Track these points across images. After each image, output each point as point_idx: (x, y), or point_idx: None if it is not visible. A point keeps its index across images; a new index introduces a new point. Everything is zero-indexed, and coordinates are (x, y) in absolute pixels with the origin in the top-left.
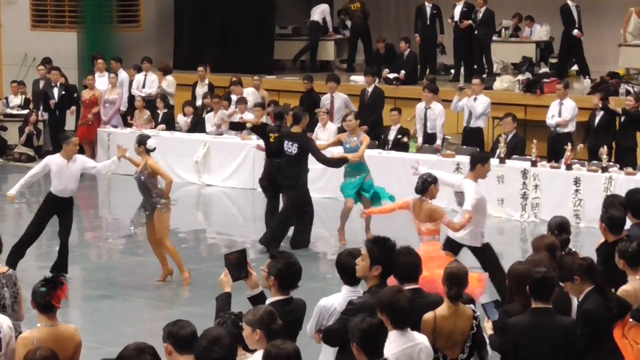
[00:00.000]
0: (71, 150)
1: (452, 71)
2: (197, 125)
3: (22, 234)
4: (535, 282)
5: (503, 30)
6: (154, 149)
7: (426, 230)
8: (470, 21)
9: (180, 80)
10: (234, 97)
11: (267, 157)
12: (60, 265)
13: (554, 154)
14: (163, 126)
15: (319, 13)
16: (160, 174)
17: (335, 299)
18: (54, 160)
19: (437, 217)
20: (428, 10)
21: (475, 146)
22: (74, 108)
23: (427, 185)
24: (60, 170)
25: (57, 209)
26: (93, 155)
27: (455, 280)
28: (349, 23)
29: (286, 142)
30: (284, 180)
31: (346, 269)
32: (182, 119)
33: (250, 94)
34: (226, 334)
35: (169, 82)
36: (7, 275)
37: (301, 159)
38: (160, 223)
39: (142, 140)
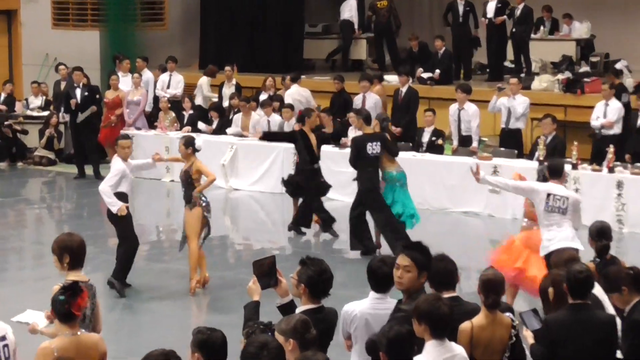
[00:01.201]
0: (124, 153)
1: (488, 70)
2: (224, 129)
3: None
4: (578, 281)
5: (542, 28)
6: (200, 149)
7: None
8: (505, 17)
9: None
10: (262, 97)
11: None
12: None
13: (597, 157)
14: (188, 128)
15: (348, 10)
16: (204, 172)
17: (358, 305)
18: (123, 164)
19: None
20: (461, 7)
21: (514, 148)
22: (94, 107)
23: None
24: (127, 172)
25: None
26: None
27: (492, 287)
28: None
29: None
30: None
31: (375, 274)
32: (202, 125)
33: (293, 95)
34: (273, 339)
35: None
36: (88, 285)
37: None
38: (191, 219)
39: (188, 142)
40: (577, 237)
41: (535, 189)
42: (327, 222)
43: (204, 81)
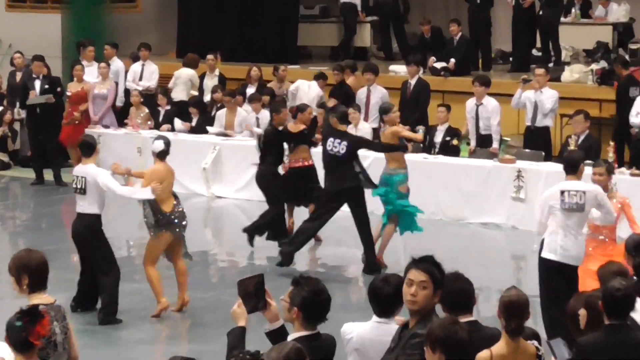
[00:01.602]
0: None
1: (511, 59)
2: (205, 127)
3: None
4: (615, 300)
5: (573, 10)
6: (162, 152)
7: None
8: None
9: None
10: (249, 90)
11: None
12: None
13: (637, 160)
14: (168, 126)
15: None
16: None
17: (357, 328)
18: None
19: None
20: None
21: (541, 149)
22: (50, 96)
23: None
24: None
25: None
26: (79, 161)
27: (515, 310)
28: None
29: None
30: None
31: (377, 296)
32: (178, 123)
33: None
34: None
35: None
36: (55, 307)
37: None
38: (152, 242)
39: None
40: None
41: (545, 197)
42: (254, 230)
43: (185, 73)
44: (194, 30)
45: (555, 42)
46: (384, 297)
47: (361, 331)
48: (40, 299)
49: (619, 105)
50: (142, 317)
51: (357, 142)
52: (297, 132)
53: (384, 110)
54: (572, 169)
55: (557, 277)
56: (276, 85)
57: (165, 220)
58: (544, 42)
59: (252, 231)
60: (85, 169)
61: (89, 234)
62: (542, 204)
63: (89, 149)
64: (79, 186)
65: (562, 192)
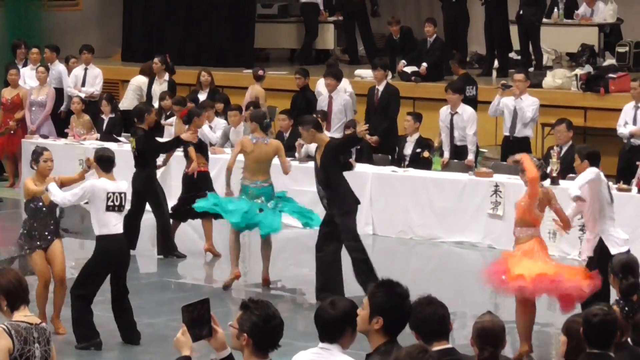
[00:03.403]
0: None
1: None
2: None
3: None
4: (592, 326)
5: (555, 9)
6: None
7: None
8: None
9: (131, 76)
10: (201, 97)
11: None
12: None
13: (625, 173)
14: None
15: None
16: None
17: (302, 356)
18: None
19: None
20: None
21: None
22: None
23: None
24: None
25: None
26: (16, 174)
27: (489, 337)
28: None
29: None
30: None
31: (320, 319)
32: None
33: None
34: None
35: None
36: (40, 328)
37: None
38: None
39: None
40: None
41: (594, 180)
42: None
43: (136, 81)
44: (138, 30)
45: (536, 44)
46: (326, 321)
47: (303, 357)
48: (23, 316)
49: None
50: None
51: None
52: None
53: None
54: (598, 160)
55: None
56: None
57: None
58: (523, 44)
59: (167, 251)
60: (118, 185)
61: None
62: (591, 181)
63: (109, 163)
64: (117, 203)
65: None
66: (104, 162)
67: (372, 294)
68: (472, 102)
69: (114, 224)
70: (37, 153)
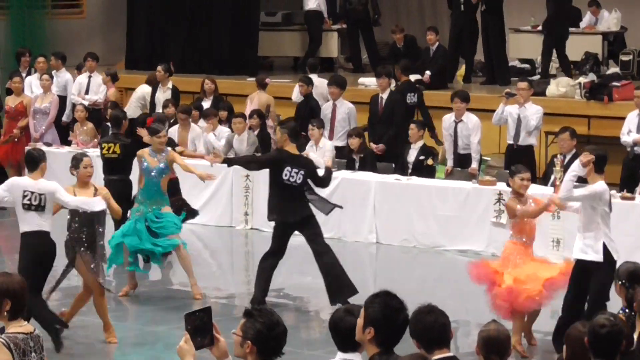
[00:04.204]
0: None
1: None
2: None
3: None
4: (598, 338)
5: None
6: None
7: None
8: None
9: (134, 84)
10: (205, 105)
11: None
12: None
13: (629, 182)
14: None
15: None
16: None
17: None
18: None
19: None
20: None
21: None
22: None
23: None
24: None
25: None
26: None
27: (495, 347)
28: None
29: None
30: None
31: (337, 328)
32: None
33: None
34: None
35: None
36: (34, 336)
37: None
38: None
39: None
40: None
41: (598, 192)
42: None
43: (141, 90)
44: (142, 38)
45: (562, 54)
46: (346, 329)
47: None
48: (19, 327)
49: None
50: (89, 355)
51: (309, 174)
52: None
53: (153, 131)
54: (604, 167)
55: None
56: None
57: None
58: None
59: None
60: (38, 185)
61: (54, 253)
62: (593, 192)
63: (33, 162)
64: (35, 203)
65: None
66: (28, 162)
67: (367, 304)
68: (412, 109)
69: (37, 223)
70: (77, 159)
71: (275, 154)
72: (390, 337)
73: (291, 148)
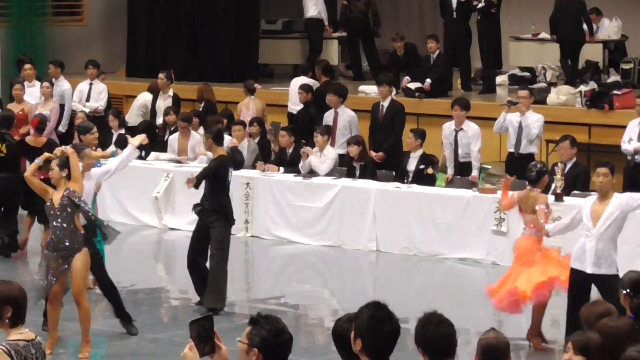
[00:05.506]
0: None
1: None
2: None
3: None
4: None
5: None
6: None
7: (530, 219)
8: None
9: (135, 91)
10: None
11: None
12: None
13: (631, 190)
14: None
15: (313, 4)
16: None
17: None
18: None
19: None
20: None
21: (524, 178)
22: None
23: (541, 175)
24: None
25: None
26: None
27: (494, 355)
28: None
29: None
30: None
31: (342, 338)
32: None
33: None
34: None
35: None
36: (36, 344)
37: None
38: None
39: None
40: None
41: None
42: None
43: (142, 98)
44: (143, 45)
45: (575, 61)
46: (349, 339)
47: None
48: (20, 334)
49: None
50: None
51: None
52: (40, 146)
53: (83, 129)
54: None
55: None
56: (242, 108)
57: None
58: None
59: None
60: None
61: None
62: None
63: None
64: None
65: None
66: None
67: (356, 315)
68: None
69: None
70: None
71: (220, 160)
72: (378, 348)
73: (219, 150)
